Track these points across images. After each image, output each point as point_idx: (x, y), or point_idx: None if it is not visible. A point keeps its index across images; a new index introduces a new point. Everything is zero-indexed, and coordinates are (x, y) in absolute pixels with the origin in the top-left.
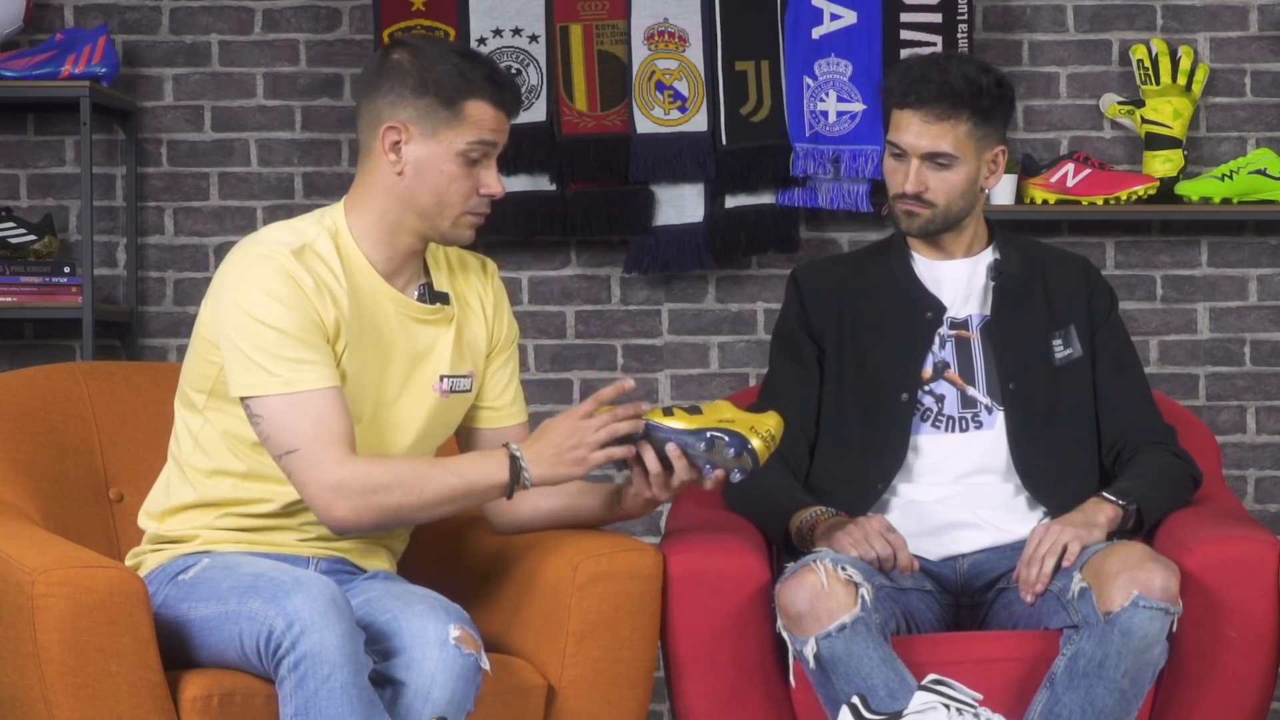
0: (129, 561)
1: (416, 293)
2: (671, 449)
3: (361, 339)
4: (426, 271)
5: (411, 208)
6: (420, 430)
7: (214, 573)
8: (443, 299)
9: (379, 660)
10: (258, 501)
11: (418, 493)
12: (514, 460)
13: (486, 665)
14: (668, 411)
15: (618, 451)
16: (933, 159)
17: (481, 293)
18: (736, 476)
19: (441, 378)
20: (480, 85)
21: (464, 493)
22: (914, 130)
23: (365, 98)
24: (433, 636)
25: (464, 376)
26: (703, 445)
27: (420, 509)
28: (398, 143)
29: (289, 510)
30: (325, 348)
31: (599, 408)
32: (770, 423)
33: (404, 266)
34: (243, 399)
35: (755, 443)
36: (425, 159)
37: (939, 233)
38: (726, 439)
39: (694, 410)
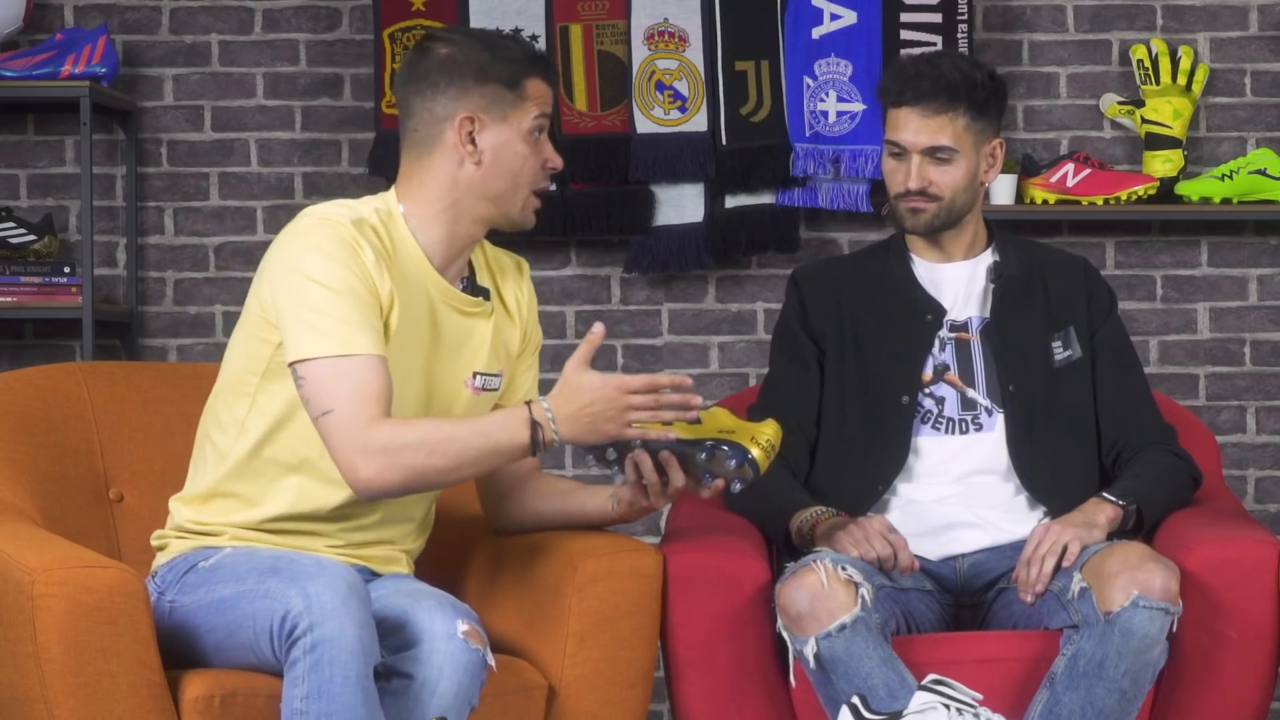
0: (154, 541)
1: (461, 285)
2: (665, 455)
3: (407, 322)
4: (470, 267)
5: (485, 194)
6: None
7: (235, 559)
8: (484, 294)
9: (388, 654)
10: (296, 501)
11: (442, 453)
12: (539, 422)
13: (492, 662)
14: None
15: (652, 432)
16: (933, 154)
17: (518, 293)
18: (736, 486)
19: (475, 374)
20: (533, 62)
21: (491, 453)
22: (913, 127)
23: (419, 96)
24: (441, 630)
25: (495, 375)
26: (703, 455)
27: (445, 471)
28: (472, 133)
29: (330, 515)
30: (377, 317)
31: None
32: (769, 431)
33: (457, 258)
34: (293, 364)
35: (755, 453)
36: (501, 144)
37: (943, 228)
38: (727, 450)
39: (692, 418)
